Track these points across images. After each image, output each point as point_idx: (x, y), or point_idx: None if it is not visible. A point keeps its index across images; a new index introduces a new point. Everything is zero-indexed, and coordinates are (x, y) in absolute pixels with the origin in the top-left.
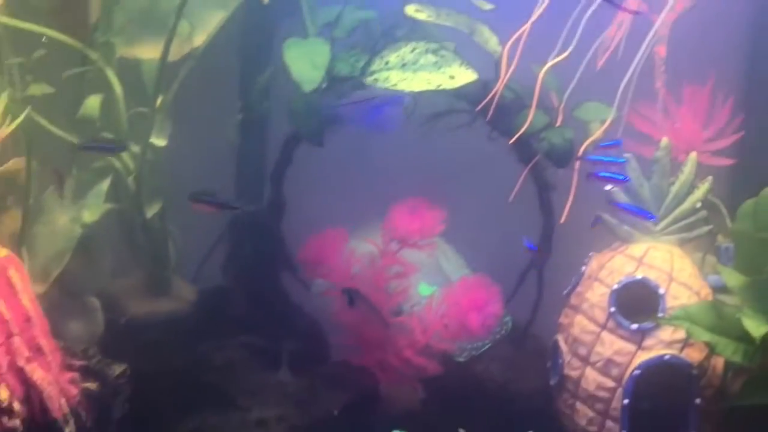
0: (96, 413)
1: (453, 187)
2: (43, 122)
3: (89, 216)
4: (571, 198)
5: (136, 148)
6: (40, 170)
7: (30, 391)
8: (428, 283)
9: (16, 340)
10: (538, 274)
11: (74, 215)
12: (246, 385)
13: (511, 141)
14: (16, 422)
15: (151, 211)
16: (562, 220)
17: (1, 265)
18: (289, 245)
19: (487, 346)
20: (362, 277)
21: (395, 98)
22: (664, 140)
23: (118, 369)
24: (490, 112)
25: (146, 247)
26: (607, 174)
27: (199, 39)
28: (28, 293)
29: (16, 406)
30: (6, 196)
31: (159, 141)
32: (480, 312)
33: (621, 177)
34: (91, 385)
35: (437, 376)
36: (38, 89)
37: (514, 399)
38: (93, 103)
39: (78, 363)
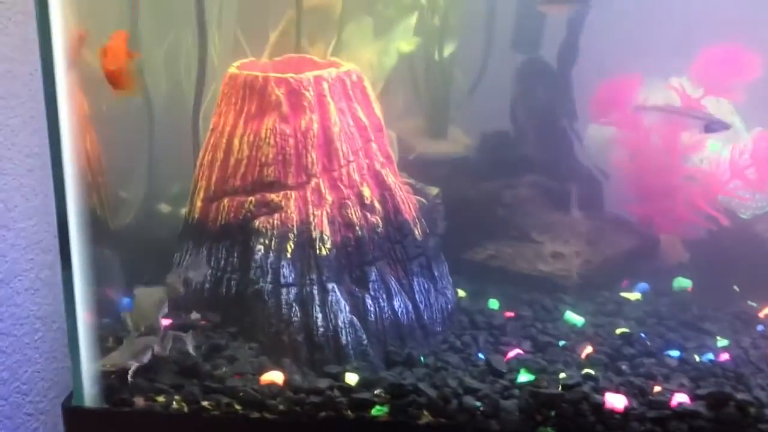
0: (426, 224)
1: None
2: None
3: (406, 46)
4: None
5: None
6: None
7: (384, 193)
8: (718, 139)
9: (373, 146)
10: None
11: (380, 48)
12: (537, 222)
13: None
14: (377, 218)
15: (447, 50)
16: None
17: (358, 75)
18: (577, 92)
19: None
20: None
21: None
22: None
23: (433, 190)
24: None
25: (432, 89)
26: None
27: None
28: (378, 104)
29: (376, 204)
30: (318, 30)
31: None
32: None
33: None
34: (421, 199)
35: (716, 230)
36: None
37: None
38: None
39: (403, 180)
